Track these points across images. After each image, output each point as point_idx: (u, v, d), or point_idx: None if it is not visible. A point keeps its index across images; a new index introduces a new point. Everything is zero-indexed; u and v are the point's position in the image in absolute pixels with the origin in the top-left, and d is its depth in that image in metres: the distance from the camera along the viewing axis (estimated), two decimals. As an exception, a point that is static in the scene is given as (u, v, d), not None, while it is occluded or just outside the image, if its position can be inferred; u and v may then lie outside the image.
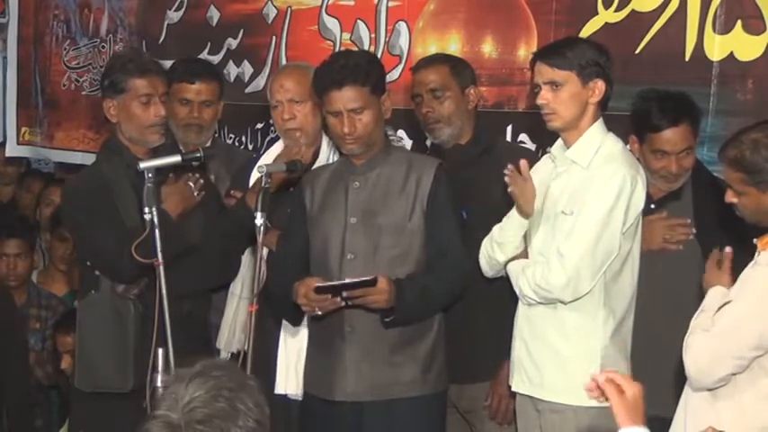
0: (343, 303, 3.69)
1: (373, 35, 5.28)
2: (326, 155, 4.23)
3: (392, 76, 4.92)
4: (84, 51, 7.12)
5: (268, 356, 4.08)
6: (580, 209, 3.63)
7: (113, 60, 4.56)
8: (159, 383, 3.64)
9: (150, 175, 3.77)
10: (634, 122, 4.01)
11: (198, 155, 4.00)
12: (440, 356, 3.90)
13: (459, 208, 3.96)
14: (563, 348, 3.69)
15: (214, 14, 6.13)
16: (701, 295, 3.46)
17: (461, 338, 4.04)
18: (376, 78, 3.80)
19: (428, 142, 4.48)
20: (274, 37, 5.76)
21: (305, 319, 3.95)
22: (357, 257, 3.81)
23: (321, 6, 5.51)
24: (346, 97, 3.75)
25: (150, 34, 6.53)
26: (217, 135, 5.15)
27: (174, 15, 6.39)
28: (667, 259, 3.93)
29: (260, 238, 3.62)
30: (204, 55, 5.99)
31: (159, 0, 6.50)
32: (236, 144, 5.86)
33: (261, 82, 5.74)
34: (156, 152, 4.17)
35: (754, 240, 3.29)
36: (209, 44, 6.09)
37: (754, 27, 4.01)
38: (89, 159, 5.41)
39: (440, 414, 3.97)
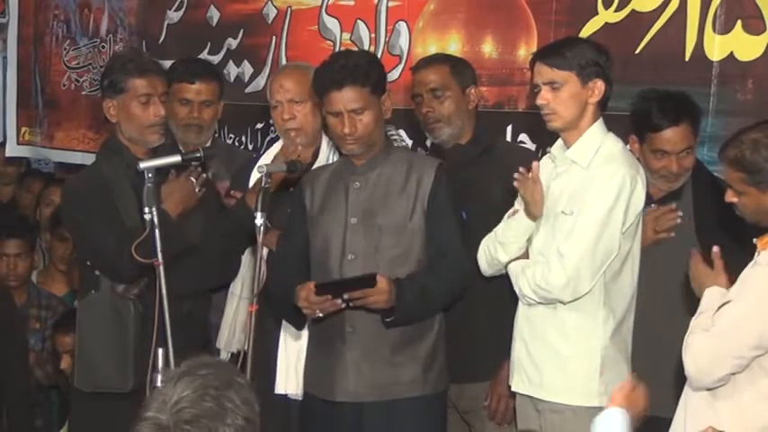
0: (344, 305, 3.69)
1: (373, 35, 5.28)
2: (326, 155, 4.24)
3: (392, 76, 4.92)
4: (84, 51, 7.12)
5: (268, 356, 4.08)
6: (580, 209, 3.63)
7: (113, 60, 4.56)
8: (159, 383, 3.64)
9: (150, 175, 3.77)
10: (634, 122, 4.01)
11: (198, 155, 4.01)
12: (440, 356, 3.90)
13: (459, 208, 3.95)
14: (563, 348, 3.69)
15: (214, 14, 6.13)
16: (701, 295, 3.46)
17: (461, 338, 4.04)
18: (376, 78, 3.80)
19: (428, 142, 4.48)
20: (274, 37, 5.76)
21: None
22: (357, 258, 3.81)
23: (321, 6, 5.51)
24: (346, 98, 3.75)
25: (150, 34, 6.53)
26: (217, 135, 5.15)
27: (174, 15, 6.39)
28: (668, 259, 3.93)
29: (260, 238, 3.62)
30: (204, 55, 5.99)
31: (159, 0, 6.50)
32: (236, 144, 5.86)
33: (261, 82, 5.74)
34: (155, 152, 4.17)
35: (754, 240, 3.29)
36: (209, 44, 6.09)
37: (754, 27, 4.02)
38: (89, 159, 5.40)
39: (440, 414, 3.97)
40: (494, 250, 3.82)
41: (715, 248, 3.39)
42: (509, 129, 4.74)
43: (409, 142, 4.85)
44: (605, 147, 3.69)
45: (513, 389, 3.88)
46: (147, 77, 4.15)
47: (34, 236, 6.15)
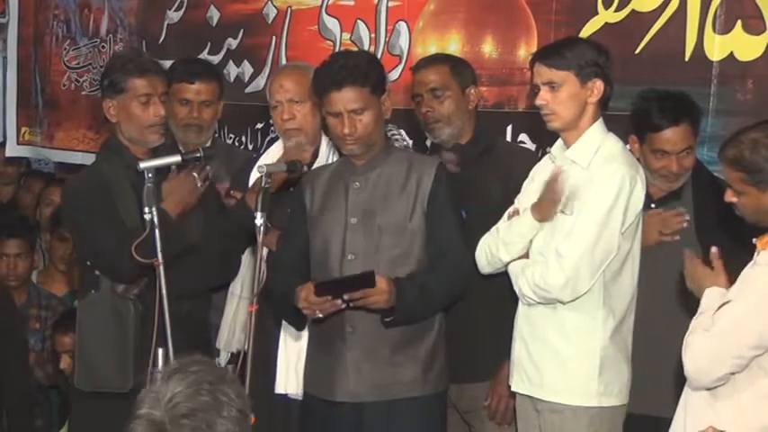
0: (344, 305, 3.68)
1: (373, 35, 5.28)
2: (326, 155, 4.24)
3: (392, 76, 4.91)
4: (84, 51, 7.12)
5: (268, 356, 4.08)
6: (579, 209, 3.63)
7: (113, 60, 4.56)
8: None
9: (150, 174, 3.77)
10: (634, 122, 4.01)
11: (198, 155, 4.01)
12: (440, 356, 3.90)
13: (459, 208, 3.95)
14: (563, 348, 3.69)
15: (214, 14, 6.13)
16: (701, 295, 3.46)
17: (461, 338, 4.04)
18: (376, 79, 3.80)
19: (428, 142, 4.48)
20: (274, 37, 5.77)
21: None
22: (358, 258, 3.81)
23: (321, 6, 5.51)
24: (346, 98, 3.74)
25: (150, 34, 6.53)
26: (217, 135, 5.15)
27: (174, 15, 6.39)
28: (668, 259, 3.92)
29: (260, 238, 3.62)
30: (204, 55, 5.99)
31: (159, 0, 6.50)
32: (236, 144, 5.86)
33: (261, 82, 5.74)
34: (155, 152, 4.17)
35: (754, 240, 3.29)
36: (209, 44, 6.09)
37: (754, 27, 4.02)
38: (89, 159, 5.41)
39: (440, 414, 3.96)
40: (495, 249, 3.81)
41: (713, 249, 3.39)
42: (509, 129, 4.75)
43: (410, 142, 4.85)
44: (605, 147, 3.69)
45: (512, 389, 3.88)
46: (147, 77, 4.15)
47: (34, 236, 6.15)
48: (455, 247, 3.82)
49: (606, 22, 4.39)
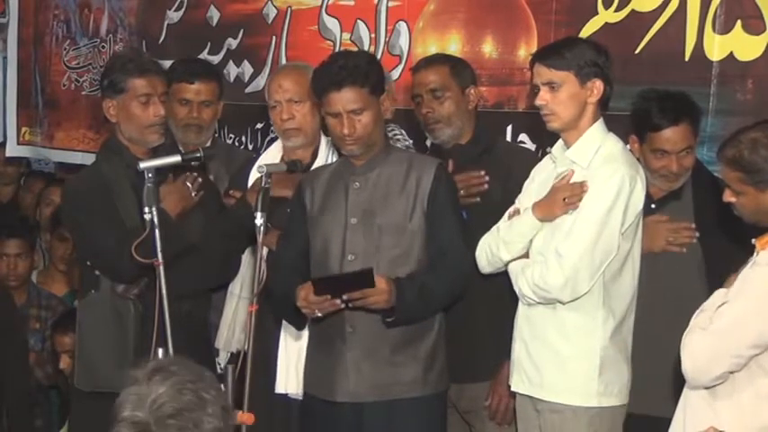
0: (343, 305, 3.68)
1: (373, 35, 5.28)
2: (325, 155, 4.24)
3: (392, 76, 4.91)
4: (84, 51, 7.13)
5: (268, 356, 4.08)
6: (579, 209, 3.63)
7: (113, 60, 4.57)
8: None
9: (150, 174, 3.77)
10: (634, 122, 4.01)
11: (198, 155, 4.01)
12: (441, 356, 3.90)
13: (460, 208, 3.95)
14: (563, 348, 3.69)
15: (214, 14, 6.13)
16: (701, 295, 3.46)
17: (461, 338, 4.04)
18: (375, 79, 3.79)
19: (428, 142, 4.48)
20: (274, 37, 5.77)
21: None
22: (357, 258, 3.81)
23: (321, 6, 5.51)
24: (345, 98, 3.74)
25: (150, 34, 6.53)
26: (217, 135, 5.15)
27: (174, 15, 6.39)
28: (668, 259, 3.93)
29: (260, 238, 3.62)
30: (204, 55, 5.99)
31: (159, 0, 6.50)
32: (236, 144, 5.86)
33: (261, 82, 5.74)
34: (155, 152, 4.17)
35: (753, 240, 3.29)
36: (209, 44, 6.09)
37: (753, 27, 4.02)
38: (89, 159, 5.41)
39: (440, 414, 3.96)
40: (496, 248, 3.81)
41: None
42: (509, 129, 4.75)
43: (410, 142, 4.85)
44: (605, 147, 3.69)
45: (512, 389, 3.88)
46: (147, 77, 4.15)
47: (34, 236, 6.15)
48: (455, 246, 3.82)
49: (606, 22, 4.40)
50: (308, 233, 3.92)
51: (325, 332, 3.86)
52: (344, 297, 3.64)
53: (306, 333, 4.01)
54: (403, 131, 4.59)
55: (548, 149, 3.95)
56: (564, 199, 3.65)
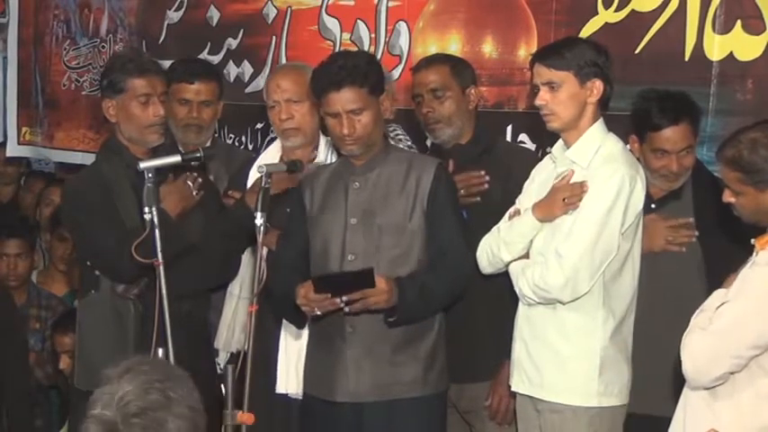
0: (343, 305, 3.68)
1: (373, 35, 5.28)
2: (324, 154, 4.24)
3: (393, 75, 4.91)
4: (84, 51, 7.13)
5: (268, 356, 4.08)
6: (579, 209, 3.63)
7: (112, 60, 4.57)
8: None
9: (150, 174, 3.76)
10: (634, 122, 4.01)
11: (198, 155, 4.00)
12: (441, 356, 3.90)
13: (459, 208, 3.95)
14: (563, 348, 3.69)
15: (214, 14, 6.13)
16: (701, 295, 3.46)
17: (461, 338, 4.04)
18: (375, 79, 3.79)
19: (428, 142, 4.48)
20: (274, 37, 5.77)
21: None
22: (358, 258, 3.81)
23: (321, 6, 5.51)
24: (345, 98, 3.74)
25: (150, 34, 6.53)
26: (216, 135, 5.15)
27: (174, 15, 6.40)
28: (668, 259, 3.93)
29: (260, 238, 3.62)
30: (204, 55, 5.99)
31: (159, 0, 6.50)
32: (236, 144, 5.86)
33: (261, 82, 5.73)
34: (155, 152, 4.16)
35: (752, 240, 3.29)
36: (209, 44, 6.09)
37: (753, 27, 4.02)
38: (89, 159, 5.41)
39: (440, 414, 3.96)
40: (497, 249, 3.81)
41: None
42: (509, 129, 4.75)
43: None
44: (605, 147, 3.69)
45: (513, 389, 3.88)
46: (147, 77, 4.15)
47: (34, 236, 6.15)
48: (455, 246, 3.82)
49: (606, 22, 4.40)
50: (307, 233, 3.92)
51: (326, 331, 3.86)
52: (344, 298, 3.64)
53: (306, 332, 4.01)
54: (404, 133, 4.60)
55: (548, 149, 3.95)
56: (564, 199, 3.65)
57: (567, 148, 3.74)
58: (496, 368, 4.08)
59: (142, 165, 3.81)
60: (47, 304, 5.83)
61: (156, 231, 3.71)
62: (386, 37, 5.22)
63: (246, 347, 3.60)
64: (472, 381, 4.17)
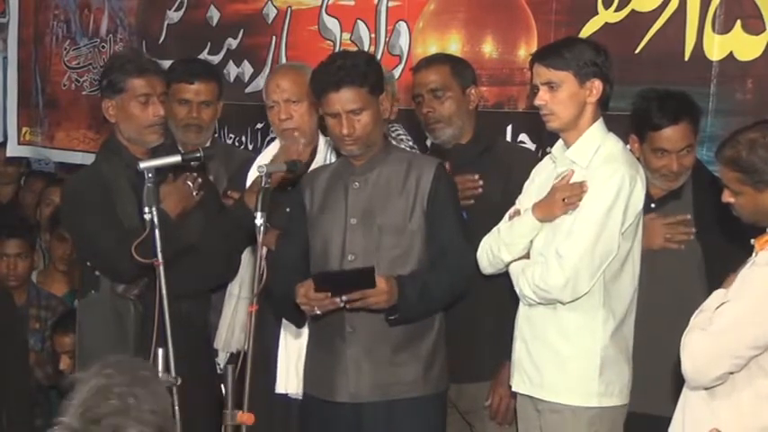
0: (343, 305, 3.68)
1: (373, 35, 5.28)
2: (324, 154, 4.24)
3: (394, 75, 4.91)
4: (84, 51, 7.13)
5: (268, 356, 4.08)
6: (579, 209, 3.63)
7: (112, 60, 4.57)
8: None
9: (150, 175, 3.76)
10: (634, 121, 4.01)
11: (198, 155, 4.00)
12: (441, 356, 3.90)
13: (460, 207, 3.95)
14: (563, 349, 3.69)
15: (214, 14, 6.13)
16: (701, 295, 3.46)
17: (461, 338, 4.04)
18: (374, 79, 3.79)
19: (428, 142, 4.48)
20: (274, 37, 5.77)
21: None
22: (358, 258, 3.80)
23: (321, 6, 5.51)
24: (344, 98, 3.74)
25: (150, 34, 6.54)
26: (216, 135, 5.15)
27: (174, 15, 6.40)
28: (668, 259, 3.93)
29: (260, 239, 3.62)
30: (204, 55, 5.99)
31: (159, 0, 6.50)
32: (236, 144, 5.86)
33: (261, 82, 5.73)
34: (155, 152, 4.16)
35: (752, 241, 3.29)
36: (209, 44, 6.10)
37: (753, 27, 4.02)
38: (89, 159, 5.40)
39: (440, 414, 3.96)
40: (497, 250, 3.81)
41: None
42: (509, 129, 4.75)
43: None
44: (605, 147, 3.69)
45: (513, 389, 3.88)
46: (146, 77, 4.15)
47: (34, 236, 6.15)
48: (456, 246, 3.82)
49: (606, 22, 4.40)
50: (307, 233, 3.92)
51: (326, 331, 3.86)
52: (344, 298, 3.64)
53: (306, 332, 4.01)
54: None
55: (548, 149, 3.95)
56: (563, 199, 3.66)
57: (567, 147, 3.74)
58: (497, 368, 4.08)
59: (142, 165, 3.81)
60: (47, 304, 5.83)
61: (156, 231, 3.71)
62: (386, 37, 5.22)
63: (246, 347, 3.60)
64: (472, 381, 4.17)
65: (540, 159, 4.02)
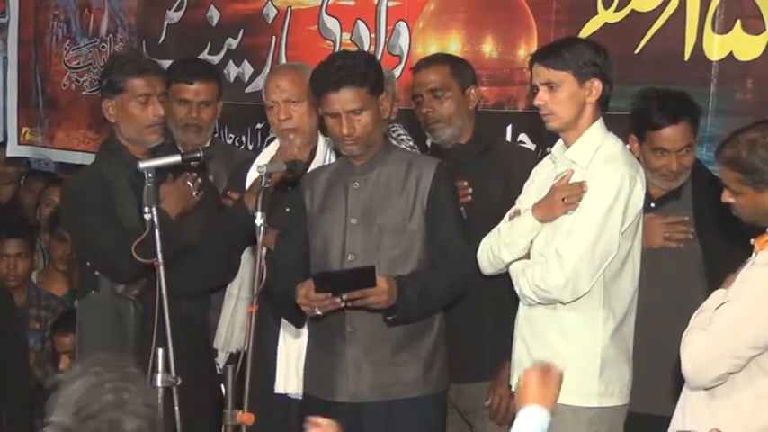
0: (343, 305, 3.68)
1: (373, 35, 5.28)
2: (323, 154, 4.24)
3: (394, 75, 4.91)
4: (84, 51, 7.13)
5: (268, 356, 4.08)
6: (579, 209, 3.63)
7: (112, 60, 4.57)
8: (159, 383, 3.64)
9: (150, 175, 3.76)
10: (634, 121, 4.02)
11: (197, 155, 4.00)
12: (441, 355, 3.90)
13: (460, 207, 3.95)
14: (563, 348, 3.69)
15: (214, 14, 6.13)
16: (701, 295, 3.46)
17: (461, 338, 4.04)
18: (374, 79, 3.79)
19: (428, 142, 4.48)
20: (274, 37, 5.77)
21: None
22: (358, 258, 3.81)
23: (321, 6, 5.51)
24: (344, 98, 3.74)
25: (150, 34, 6.53)
26: (216, 135, 5.15)
27: (174, 15, 6.40)
28: (667, 259, 3.93)
29: (260, 239, 3.62)
30: (204, 55, 5.99)
31: (159, 0, 6.50)
32: (236, 144, 5.86)
33: (261, 82, 5.72)
34: (154, 152, 4.16)
35: (752, 241, 3.29)
36: (209, 44, 6.09)
37: (753, 27, 4.02)
38: (89, 159, 5.40)
39: (440, 414, 3.97)
40: (497, 250, 3.81)
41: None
42: (509, 129, 4.75)
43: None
44: (605, 147, 3.69)
45: (513, 389, 3.88)
46: (146, 77, 4.15)
47: (34, 236, 6.15)
48: (456, 246, 3.82)
49: (606, 22, 4.40)
50: (307, 233, 3.92)
51: (326, 331, 3.86)
52: (344, 296, 3.64)
53: (305, 332, 4.01)
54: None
55: (548, 149, 3.95)
56: (563, 199, 3.65)
57: (567, 148, 3.74)
58: (496, 368, 4.08)
59: (142, 165, 3.81)
60: (47, 304, 5.82)
61: (156, 231, 3.71)
62: (386, 37, 5.22)
63: (246, 347, 3.60)
64: (472, 381, 4.17)
65: (540, 159, 4.02)
